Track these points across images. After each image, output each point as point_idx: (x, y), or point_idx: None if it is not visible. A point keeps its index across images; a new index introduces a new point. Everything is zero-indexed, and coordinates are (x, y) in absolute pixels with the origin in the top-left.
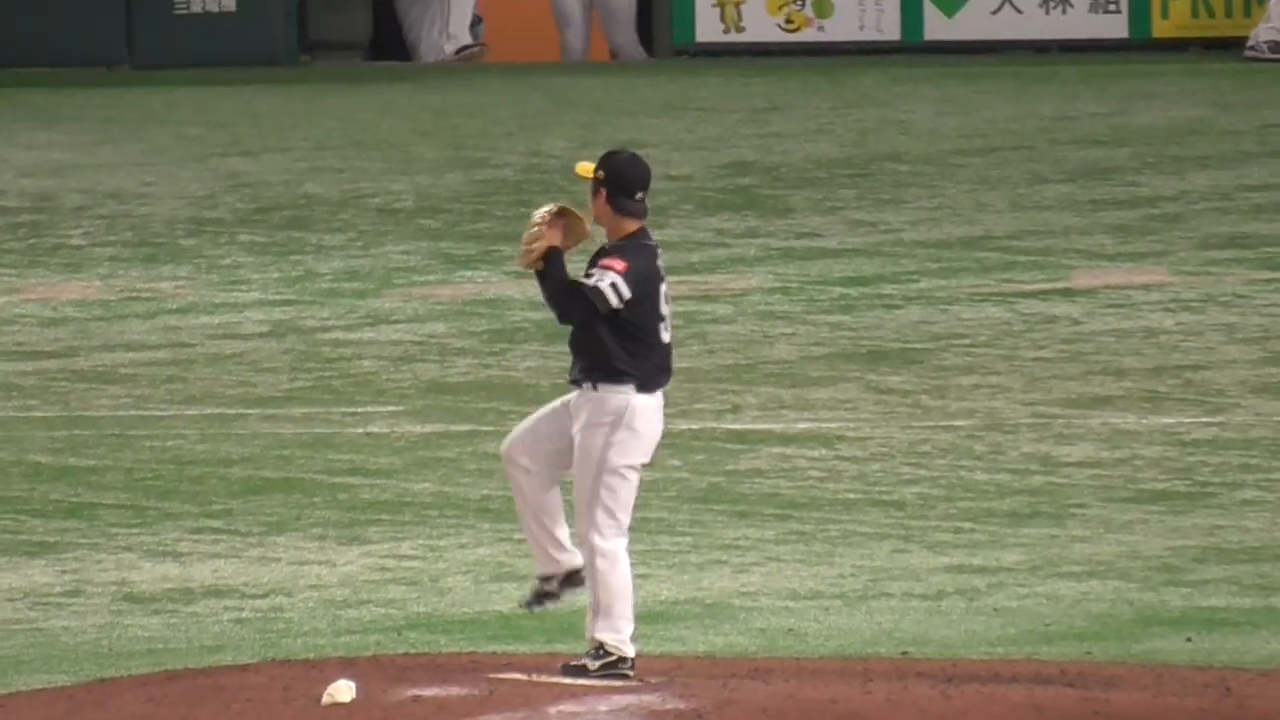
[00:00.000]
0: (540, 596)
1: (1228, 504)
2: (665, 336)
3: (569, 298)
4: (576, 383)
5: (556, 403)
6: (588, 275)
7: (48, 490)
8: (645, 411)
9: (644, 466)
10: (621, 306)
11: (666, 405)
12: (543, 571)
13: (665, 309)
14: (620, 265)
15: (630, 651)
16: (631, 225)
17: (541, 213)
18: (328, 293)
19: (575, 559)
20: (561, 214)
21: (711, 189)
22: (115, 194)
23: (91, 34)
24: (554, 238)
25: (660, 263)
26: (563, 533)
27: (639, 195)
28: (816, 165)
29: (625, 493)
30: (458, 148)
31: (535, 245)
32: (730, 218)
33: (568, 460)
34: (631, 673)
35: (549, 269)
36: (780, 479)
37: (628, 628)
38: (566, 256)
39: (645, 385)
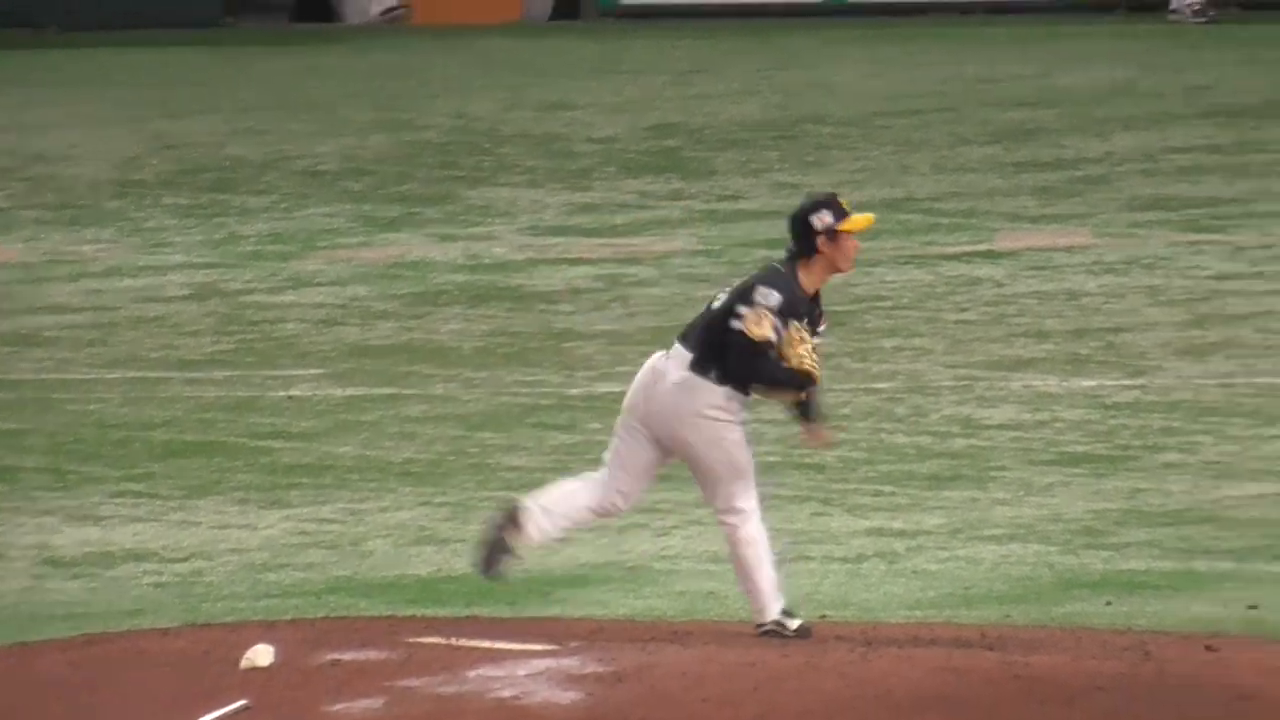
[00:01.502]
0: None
1: (1149, 467)
2: None
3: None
4: None
5: None
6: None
7: None
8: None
9: (625, 420)
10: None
11: (589, 368)
12: None
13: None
14: None
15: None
16: None
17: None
18: (251, 255)
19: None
20: None
21: (636, 151)
22: (40, 156)
23: None
24: None
25: None
26: None
27: None
28: (741, 127)
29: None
30: (383, 110)
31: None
32: (654, 180)
33: None
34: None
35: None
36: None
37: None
38: None
39: None
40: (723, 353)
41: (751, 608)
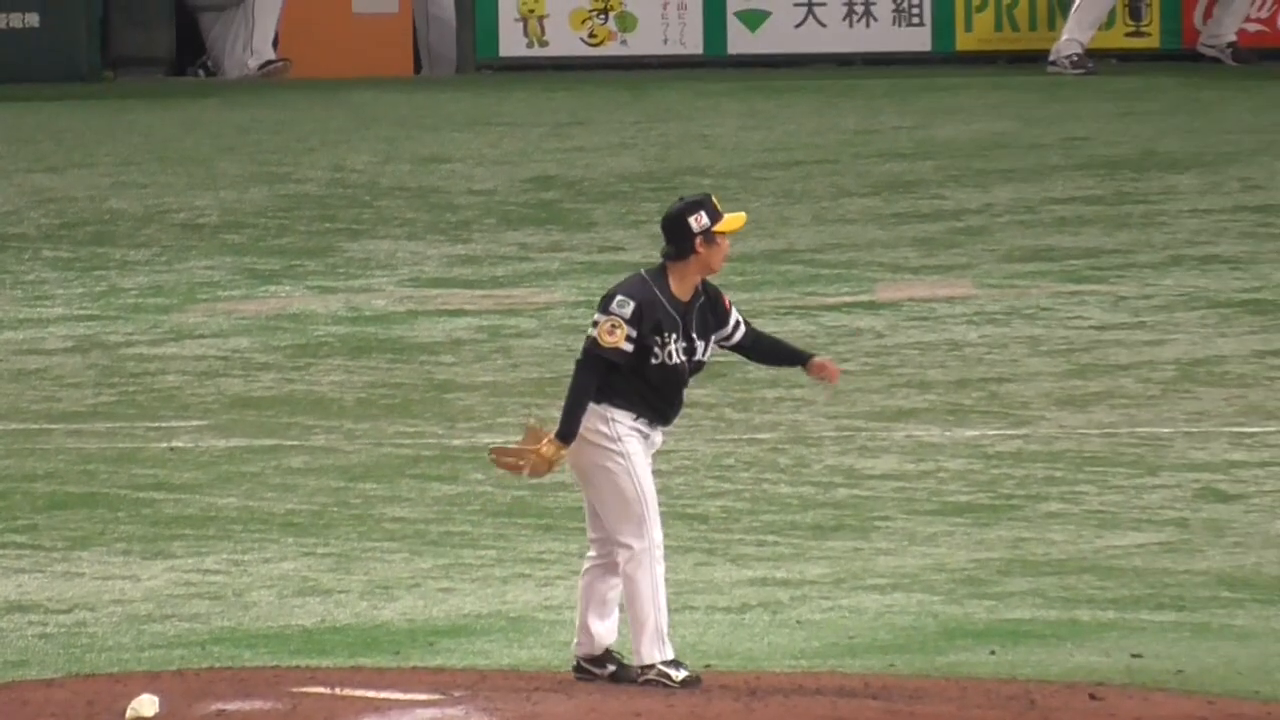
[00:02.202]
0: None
1: (1032, 516)
2: None
3: None
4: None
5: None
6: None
7: None
8: None
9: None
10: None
11: (471, 419)
12: None
13: None
14: None
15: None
16: None
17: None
18: (132, 308)
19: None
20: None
21: (515, 203)
22: None
23: None
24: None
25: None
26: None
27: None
28: (620, 179)
29: None
30: (261, 163)
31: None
32: (534, 232)
33: None
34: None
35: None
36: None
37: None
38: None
39: None
40: (603, 383)
41: (636, 648)
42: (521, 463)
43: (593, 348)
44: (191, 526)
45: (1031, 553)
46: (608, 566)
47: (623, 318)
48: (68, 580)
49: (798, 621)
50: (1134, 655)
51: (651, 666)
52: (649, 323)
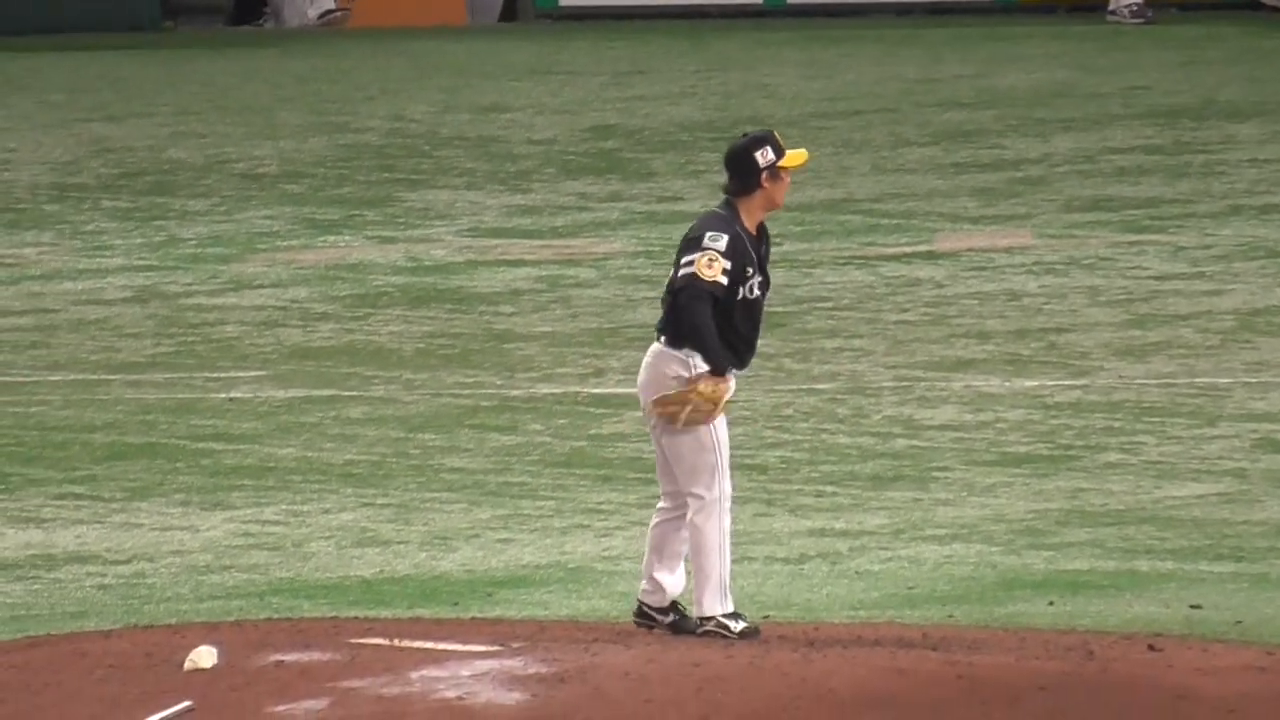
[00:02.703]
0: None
1: (1091, 467)
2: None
3: None
4: None
5: None
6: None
7: None
8: None
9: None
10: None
11: (530, 369)
12: None
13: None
14: None
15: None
16: None
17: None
18: (191, 258)
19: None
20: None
21: (575, 153)
22: None
23: None
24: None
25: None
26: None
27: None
28: (680, 129)
29: None
30: (320, 113)
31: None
32: (593, 181)
33: None
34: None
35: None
36: (643, 443)
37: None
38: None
39: None
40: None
41: (695, 599)
42: (686, 405)
43: (695, 281)
44: (250, 477)
45: (1090, 503)
46: (680, 519)
47: (719, 251)
48: (126, 531)
49: (856, 572)
50: (1193, 606)
51: (711, 618)
52: (737, 257)
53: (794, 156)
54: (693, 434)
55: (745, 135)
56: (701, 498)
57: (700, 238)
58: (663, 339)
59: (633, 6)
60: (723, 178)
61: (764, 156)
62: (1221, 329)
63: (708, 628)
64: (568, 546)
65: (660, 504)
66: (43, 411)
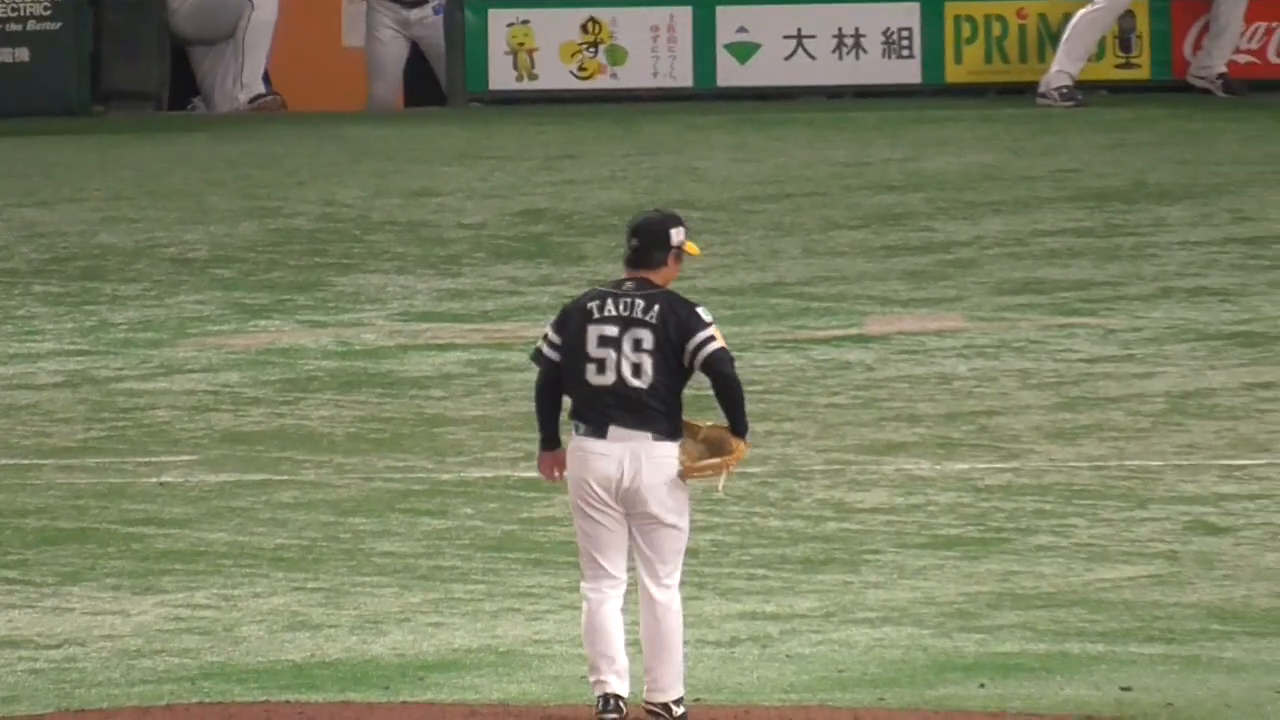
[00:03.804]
0: None
1: (1022, 549)
2: (593, 378)
3: None
4: None
5: None
6: None
7: None
8: (573, 453)
9: (589, 509)
10: (545, 353)
11: (461, 453)
12: None
13: (596, 351)
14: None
15: (596, 692)
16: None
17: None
18: (122, 343)
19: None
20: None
21: (505, 237)
22: None
23: None
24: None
25: (596, 304)
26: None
27: (631, 242)
28: (610, 212)
29: (578, 537)
30: (251, 197)
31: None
32: (524, 265)
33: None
34: (604, 714)
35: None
36: (574, 527)
37: (594, 670)
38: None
39: (581, 427)
40: (674, 410)
41: (656, 683)
42: (725, 469)
43: (728, 353)
44: (181, 561)
45: (1021, 586)
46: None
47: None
48: (58, 615)
49: (787, 655)
50: (1124, 688)
51: (681, 701)
52: None
53: (692, 246)
54: (684, 520)
55: (657, 211)
56: (671, 587)
57: (697, 309)
58: (651, 435)
59: (562, 90)
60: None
61: (676, 235)
62: (1152, 411)
63: (656, 710)
64: (499, 630)
65: (609, 589)
66: None
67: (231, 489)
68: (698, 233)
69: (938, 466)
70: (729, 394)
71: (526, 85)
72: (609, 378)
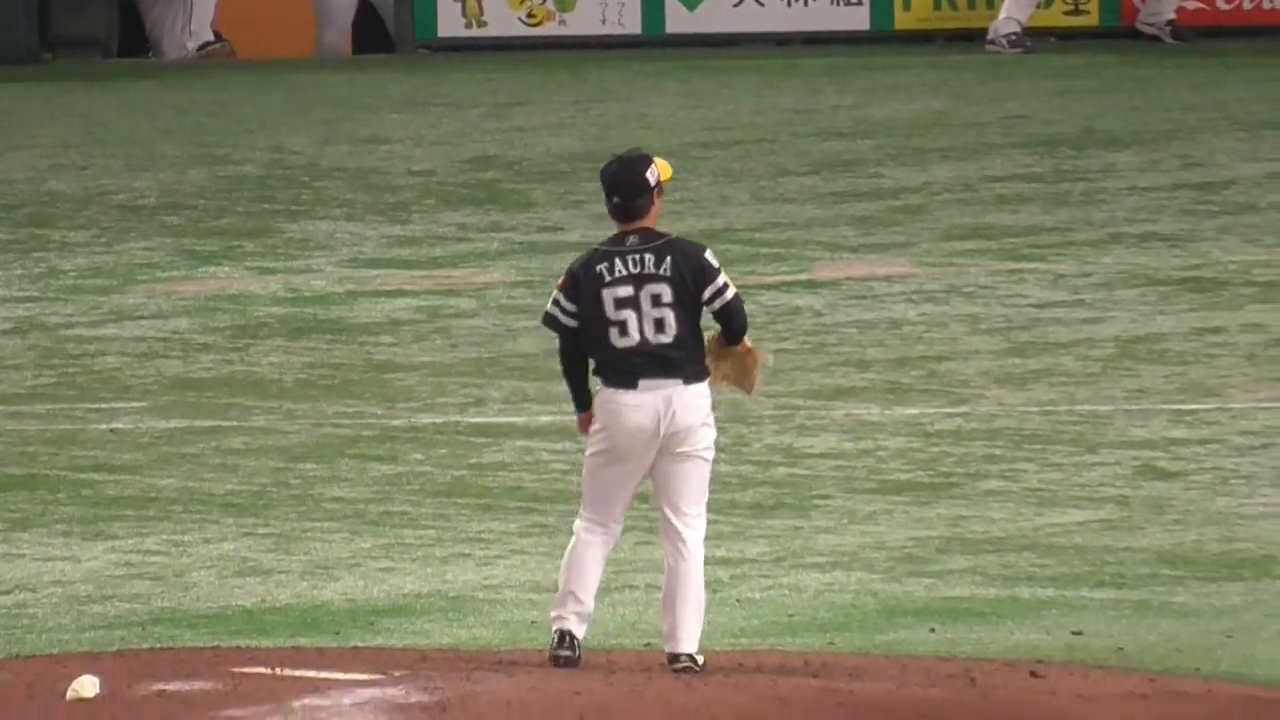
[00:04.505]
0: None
1: (971, 494)
2: (617, 341)
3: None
4: None
5: None
6: None
7: None
8: (603, 404)
9: (615, 460)
10: (562, 321)
11: (410, 399)
12: None
13: (616, 314)
14: (560, 281)
15: (555, 626)
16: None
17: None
18: (71, 289)
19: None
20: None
21: (454, 184)
22: None
23: None
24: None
25: (605, 266)
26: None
27: (613, 199)
28: (559, 159)
29: (587, 479)
30: (200, 145)
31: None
32: (473, 212)
33: None
34: (558, 650)
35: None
36: (524, 472)
37: (560, 604)
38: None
39: (610, 381)
40: (698, 351)
41: (685, 632)
42: (756, 368)
43: (740, 300)
44: (132, 507)
45: (971, 530)
46: (605, 544)
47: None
48: (8, 562)
49: (737, 600)
50: (1074, 633)
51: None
52: None
53: (666, 168)
54: (710, 462)
55: (621, 158)
56: (697, 529)
57: (706, 262)
58: (682, 380)
59: (511, 38)
60: (599, 208)
61: (651, 175)
62: (1102, 356)
63: (683, 664)
64: (449, 575)
65: (593, 531)
66: None
67: (181, 435)
68: None
69: (887, 411)
70: (738, 332)
71: (475, 32)
72: (633, 338)
